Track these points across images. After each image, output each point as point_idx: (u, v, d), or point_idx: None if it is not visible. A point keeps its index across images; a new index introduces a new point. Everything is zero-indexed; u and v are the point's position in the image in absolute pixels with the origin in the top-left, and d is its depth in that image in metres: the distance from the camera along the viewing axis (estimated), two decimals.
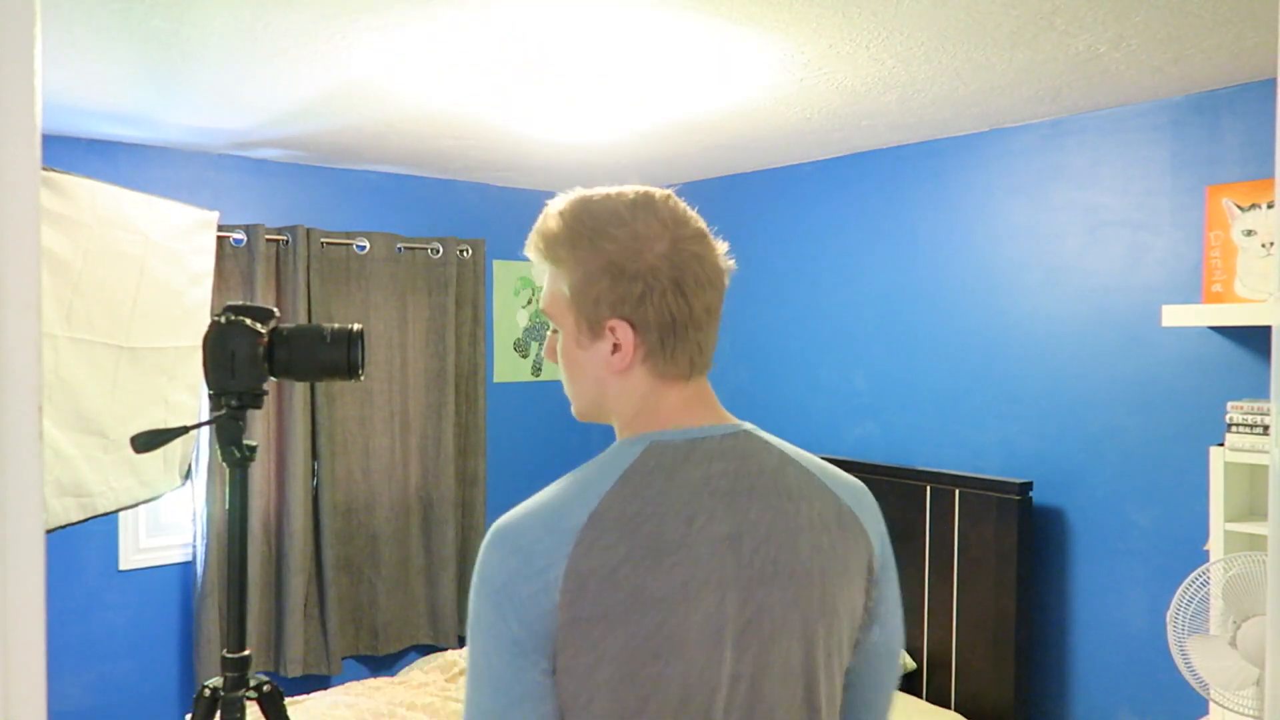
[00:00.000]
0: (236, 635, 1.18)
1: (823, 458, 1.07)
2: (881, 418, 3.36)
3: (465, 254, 3.95)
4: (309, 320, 3.52)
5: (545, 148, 3.31)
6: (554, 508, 0.88)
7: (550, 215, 0.97)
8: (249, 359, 1.20)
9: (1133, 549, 2.71)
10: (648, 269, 0.92)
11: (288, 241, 3.50)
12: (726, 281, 0.99)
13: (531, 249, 0.99)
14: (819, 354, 3.58)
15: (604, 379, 0.96)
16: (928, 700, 3.05)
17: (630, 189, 0.98)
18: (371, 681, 3.32)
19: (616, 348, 0.94)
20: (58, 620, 3.14)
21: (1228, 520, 2.32)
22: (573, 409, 1.03)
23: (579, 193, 0.98)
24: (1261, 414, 2.25)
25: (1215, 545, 2.33)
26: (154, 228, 2.50)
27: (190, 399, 2.68)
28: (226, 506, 1.43)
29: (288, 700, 2.90)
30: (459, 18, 1.97)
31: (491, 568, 0.87)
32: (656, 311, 0.92)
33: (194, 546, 3.35)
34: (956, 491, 2.98)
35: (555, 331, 1.00)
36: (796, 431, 3.62)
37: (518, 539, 0.87)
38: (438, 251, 3.88)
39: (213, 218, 2.96)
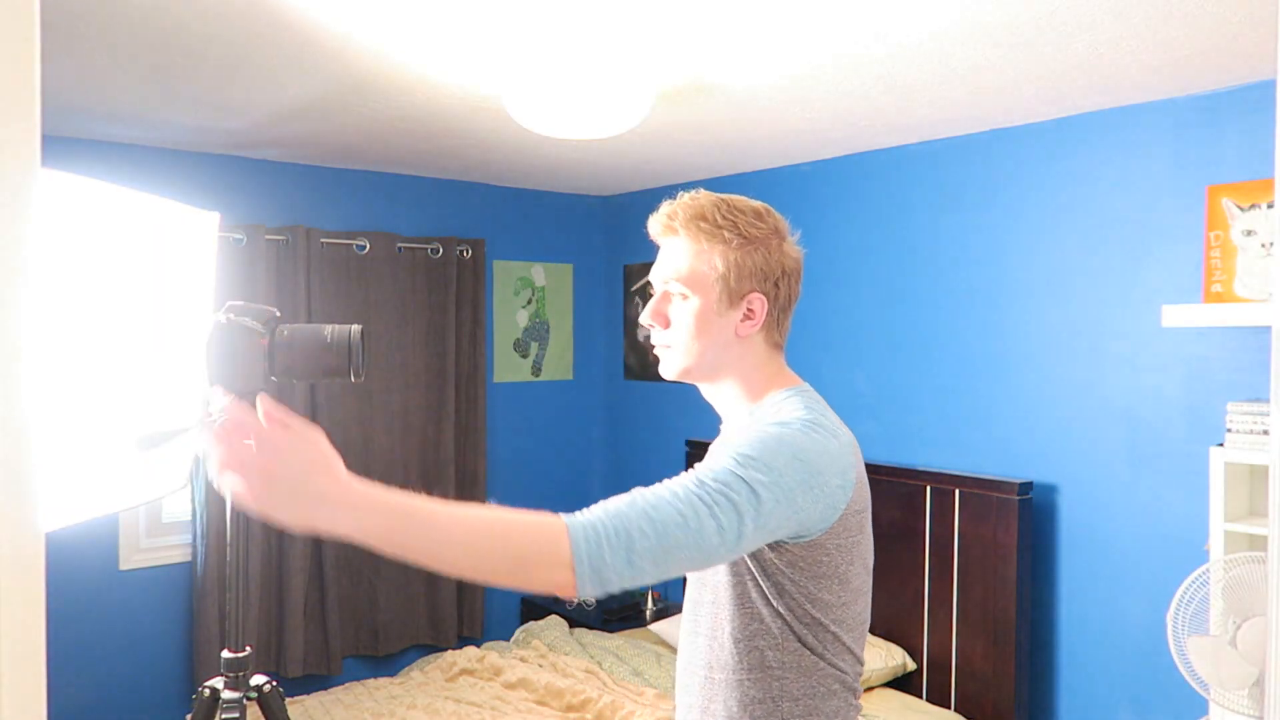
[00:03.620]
0: (236, 635, 1.18)
1: None
2: (882, 418, 3.36)
3: (465, 254, 3.95)
4: (309, 320, 3.52)
5: (545, 147, 3.31)
6: (834, 427, 1.16)
7: (705, 203, 1.18)
8: (249, 359, 1.20)
9: (1133, 549, 2.71)
10: (785, 260, 1.20)
11: (288, 241, 3.50)
12: None
13: (688, 225, 1.17)
14: (819, 353, 3.58)
15: (727, 342, 1.19)
16: (928, 700, 3.05)
17: (738, 197, 1.21)
18: (371, 681, 3.32)
19: (749, 315, 1.18)
20: (58, 620, 3.14)
21: (1228, 520, 2.32)
22: (676, 366, 1.22)
23: (704, 193, 1.21)
24: (1261, 414, 2.25)
25: (1215, 545, 2.33)
26: (154, 228, 2.50)
27: (191, 399, 2.68)
28: (226, 506, 1.43)
29: (288, 700, 2.90)
30: (458, 16, 1.97)
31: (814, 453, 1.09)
32: (784, 294, 1.21)
33: (194, 546, 3.35)
34: (956, 491, 2.98)
35: (685, 297, 1.18)
36: None
37: (831, 438, 1.12)
38: (438, 251, 3.88)
39: (213, 218, 2.96)
